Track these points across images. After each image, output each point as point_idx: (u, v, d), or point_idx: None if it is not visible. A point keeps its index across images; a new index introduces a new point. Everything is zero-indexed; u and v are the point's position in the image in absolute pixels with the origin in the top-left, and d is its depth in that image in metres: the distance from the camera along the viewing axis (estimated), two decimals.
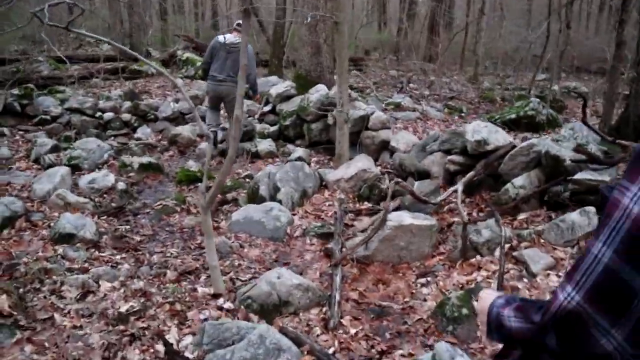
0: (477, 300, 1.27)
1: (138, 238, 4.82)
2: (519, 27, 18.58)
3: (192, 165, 6.42)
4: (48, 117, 8.01)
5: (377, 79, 13.59)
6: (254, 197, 5.41)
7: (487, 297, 1.08)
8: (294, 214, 5.18)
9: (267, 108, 8.36)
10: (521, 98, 11.52)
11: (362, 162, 5.78)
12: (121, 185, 5.83)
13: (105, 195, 5.70)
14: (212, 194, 3.49)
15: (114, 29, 14.61)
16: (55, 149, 6.98)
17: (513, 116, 7.75)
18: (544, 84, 14.08)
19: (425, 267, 4.32)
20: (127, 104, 8.49)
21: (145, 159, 6.61)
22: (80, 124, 7.93)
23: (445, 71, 15.01)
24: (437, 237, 4.52)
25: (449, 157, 5.60)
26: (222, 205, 5.43)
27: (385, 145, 6.52)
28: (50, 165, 6.49)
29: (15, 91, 8.15)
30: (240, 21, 8.15)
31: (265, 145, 7.08)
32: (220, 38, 7.02)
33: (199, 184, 6.23)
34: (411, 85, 12.89)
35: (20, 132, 7.84)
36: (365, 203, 5.50)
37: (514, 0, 20.67)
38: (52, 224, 4.80)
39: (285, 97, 8.12)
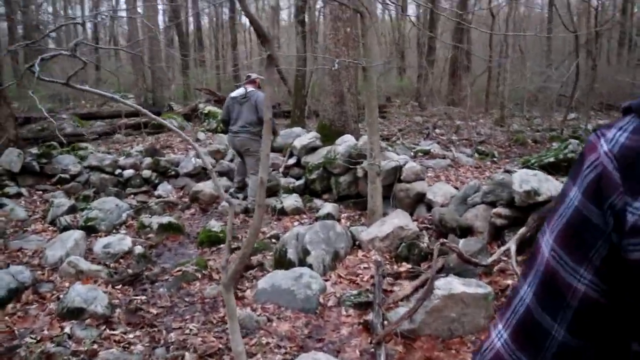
0: None
1: (155, 311, 4.29)
2: (539, 67, 18.17)
3: (215, 225, 5.94)
4: (67, 176, 7.67)
5: (401, 126, 13.17)
6: (282, 262, 4.88)
7: None
8: (326, 280, 4.62)
9: (292, 161, 7.92)
10: (555, 139, 10.99)
11: (399, 219, 5.23)
12: (138, 249, 5.36)
13: (121, 261, 5.23)
14: (234, 270, 2.98)
15: (136, 85, 14.54)
16: (72, 210, 6.59)
17: (551, 159, 7.16)
18: (575, 124, 13.51)
19: (481, 342, 3.70)
20: (148, 160, 8.14)
21: (165, 219, 6.16)
22: (99, 183, 7.57)
23: (470, 115, 14.55)
24: (493, 306, 3.91)
25: (494, 210, 5.02)
26: (246, 270, 4.90)
27: (420, 198, 5.98)
28: (66, 228, 6.08)
29: (34, 150, 7.86)
30: (251, 74, 7.88)
31: (291, 201, 6.59)
32: (232, 94, 7.16)
33: (222, 245, 5.76)
34: (437, 130, 12.42)
35: (39, 192, 7.50)
36: (404, 264, 4.93)
37: (532, 41, 20.29)
38: (61, 296, 4.32)
39: (311, 149, 7.68)
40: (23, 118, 12.17)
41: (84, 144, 10.13)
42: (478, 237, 5.13)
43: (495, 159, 9.41)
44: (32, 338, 3.80)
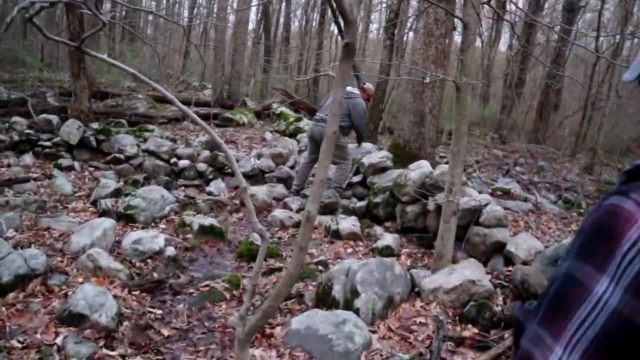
0: None
1: (166, 332, 3.55)
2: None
3: (256, 237, 5.17)
4: (122, 157, 7.18)
5: (479, 157, 12.02)
6: (325, 299, 4.02)
7: None
8: (373, 331, 3.73)
9: (357, 179, 7.06)
10: None
11: (471, 270, 4.26)
12: (170, 251, 4.67)
13: (149, 261, 4.55)
14: (253, 325, 2.16)
15: (215, 75, 14.15)
16: (116, 193, 6.03)
17: None
18: None
19: None
20: (206, 153, 7.53)
21: (207, 221, 5.47)
22: (152, 169, 7.01)
23: (556, 157, 13.19)
24: None
25: None
26: (284, 301, 4.08)
27: (499, 249, 4.96)
28: (105, 212, 5.52)
29: (95, 125, 7.42)
30: (367, 83, 7.35)
31: (348, 223, 5.73)
32: None
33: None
34: (517, 168, 11.21)
35: (91, 169, 7.03)
36: (470, 327, 3.96)
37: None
38: (70, 293, 3.67)
39: (380, 169, 6.79)
40: (102, 92, 12.00)
41: (151, 126, 9.74)
42: None
43: (582, 211, 8.18)
44: (19, 341, 3.15)
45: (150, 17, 23.40)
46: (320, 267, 4.80)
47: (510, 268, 4.78)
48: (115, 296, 3.71)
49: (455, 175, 4.44)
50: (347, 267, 4.09)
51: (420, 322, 3.97)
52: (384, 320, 3.96)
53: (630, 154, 14.54)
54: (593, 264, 0.53)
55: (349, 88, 6.97)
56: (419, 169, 5.98)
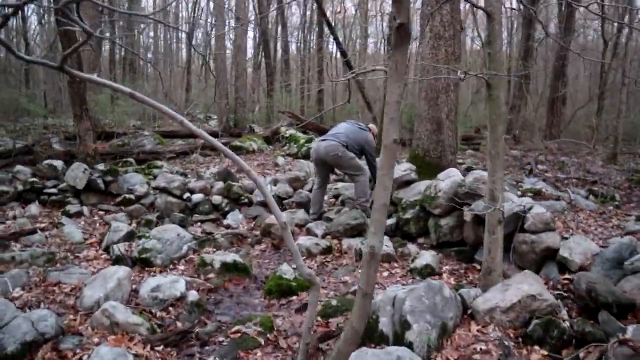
0: None
1: None
2: None
3: (287, 270, 4.70)
4: (132, 197, 6.76)
5: None
6: (371, 334, 3.53)
7: None
8: None
9: None
10: None
11: (528, 284, 3.76)
12: (193, 296, 4.21)
13: (170, 309, 4.08)
14: None
15: (219, 104, 13.82)
16: (129, 236, 5.61)
17: None
18: None
19: None
20: (219, 184, 7.11)
21: (229, 257, 5.01)
22: (165, 206, 6.59)
23: (575, 151, 12.65)
24: None
25: None
26: (324, 340, 3.59)
27: (550, 255, 4.45)
28: (119, 259, 5.09)
29: (101, 166, 7.03)
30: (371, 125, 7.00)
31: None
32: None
33: (294, 298, 4.51)
34: (539, 166, 10.68)
35: (101, 212, 6.62)
36: (537, 349, 3.45)
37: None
38: (84, 358, 3.21)
39: (404, 183, 6.34)
40: (107, 133, 11.69)
41: (159, 163, 9.37)
42: None
43: (617, 204, 7.64)
44: None
45: (150, 55, 23.31)
46: None
47: (567, 276, 4.26)
48: (136, 355, 3.25)
49: (496, 181, 3.97)
50: (392, 296, 3.59)
51: (481, 350, 3.46)
52: (441, 351, 3.45)
53: None
54: None
55: (358, 123, 6.66)
56: (449, 178, 5.51)
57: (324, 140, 6.21)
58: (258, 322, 3.84)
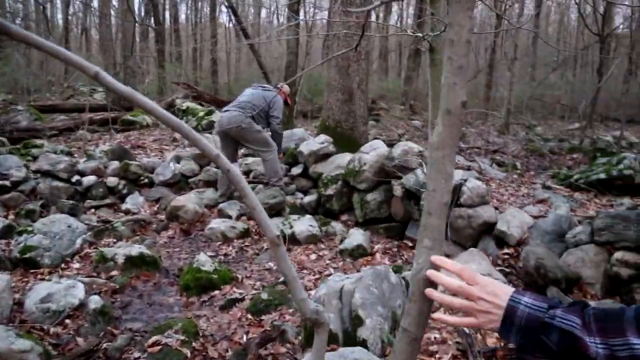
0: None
1: None
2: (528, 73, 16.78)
3: (205, 261, 4.03)
4: (7, 183, 5.62)
5: (401, 130, 11.46)
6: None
7: (497, 285, 0.88)
8: None
9: (297, 170, 6.07)
10: (576, 151, 9.45)
11: (477, 264, 3.46)
12: (95, 302, 3.42)
13: (68, 322, 3.29)
14: None
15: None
16: (6, 232, 4.61)
17: (602, 176, 5.62)
18: (580, 134, 12.08)
19: None
20: (115, 164, 6.16)
21: (134, 250, 4.23)
22: (50, 193, 5.56)
23: (470, 121, 12.98)
24: None
25: (618, 256, 3.32)
26: (262, 346, 3.03)
27: (487, 229, 4.21)
28: None
29: None
30: (282, 84, 6.27)
31: (304, 225, 4.74)
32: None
33: (216, 293, 3.88)
34: None
35: None
36: (495, 333, 3.17)
37: (523, 47, 18.96)
38: None
39: (322, 156, 5.85)
40: None
41: (39, 141, 8.08)
42: (587, 292, 3.42)
43: (519, 172, 7.78)
44: None
45: (19, 21, 20.50)
46: None
47: (505, 250, 4.05)
48: None
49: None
50: (338, 288, 3.11)
51: (435, 339, 3.11)
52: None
53: (530, 110, 14.75)
54: None
55: (263, 85, 6.02)
56: (374, 150, 5.11)
57: (227, 110, 5.51)
58: (180, 329, 3.18)
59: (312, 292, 3.74)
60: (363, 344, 2.88)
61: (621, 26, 16.87)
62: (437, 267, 0.98)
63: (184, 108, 11.01)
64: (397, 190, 4.66)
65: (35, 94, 14.93)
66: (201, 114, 9.99)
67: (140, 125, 10.12)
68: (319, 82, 15.29)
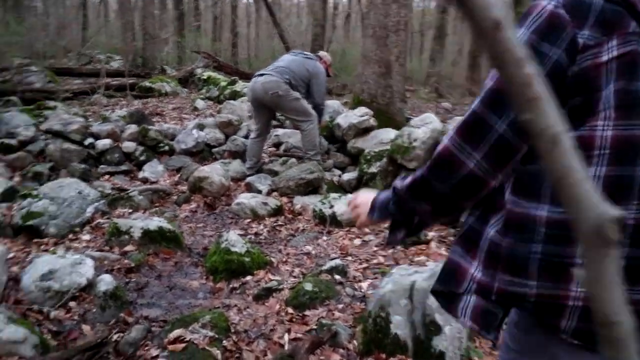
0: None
1: None
2: None
3: (236, 240, 3.39)
4: (13, 142, 5.02)
5: (431, 112, 10.70)
6: (380, 339, 2.38)
7: (367, 194, 1.24)
8: None
9: (333, 145, 5.41)
10: None
11: None
12: (106, 283, 2.80)
13: (72, 305, 2.67)
14: None
15: (127, 43, 11.70)
16: (10, 195, 4.01)
17: None
18: None
19: None
20: (132, 128, 5.52)
21: (153, 223, 3.60)
22: (60, 155, 4.94)
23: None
24: None
25: None
26: (312, 350, 2.39)
27: None
28: None
29: None
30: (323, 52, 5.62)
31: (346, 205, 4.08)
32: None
33: (248, 278, 3.25)
34: None
35: None
36: None
37: None
38: None
39: (363, 130, 5.19)
40: None
41: (52, 103, 7.46)
42: None
43: None
44: None
45: None
46: (338, 278, 3.14)
47: None
48: None
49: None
50: (407, 285, 2.45)
51: None
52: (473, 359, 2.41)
53: None
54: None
55: (304, 52, 5.34)
56: (426, 125, 4.42)
57: (261, 75, 4.84)
58: (208, 323, 2.55)
59: (364, 285, 3.11)
60: (440, 357, 2.24)
61: None
62: None
63: (205, 77, 10.35)
64: None
65: (51, 60, 14.31)
66: (223, 83, 9.31)
67: (159, 93, 9.47)
68: (343, 59, 14.56)
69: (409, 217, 1.10)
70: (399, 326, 2.36)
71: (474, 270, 1.00)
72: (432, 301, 2.34)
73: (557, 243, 0.89)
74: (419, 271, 2.57)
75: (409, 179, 1.05)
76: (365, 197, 1.21)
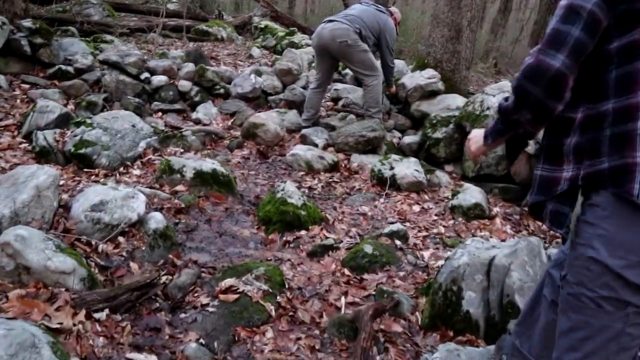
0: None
1: None
2: None
3: (293, 192, 3.17)
4: (70, 69, 4.89)
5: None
6: (449, 315, 2.14)
7: (478, 130, 1.50)
8: None
9: (395, 106, 5.08)
10: None
11: None
12: (156, 221, 2.64)
13: (121, 240, 2.52)
14: None
15: None
16: (63, 121, 3.88)
17: None
18: None
19: None
20: (189, 67, 5.31)
21: (207, 165, 3.41)
22: (115, 86, 4.78)
23: None
24: None
25: None
26: (375, 317, 2.17)
27: None
28: (44, 152, 3.44)
29: (28, 23, 5.01)
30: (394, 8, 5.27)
31: (408, 169, 3.79)
32: None
33: (302, 233, 3.03)
34: None
35: (25, 86, 4.71)
36: None
37: None
38: None
39: (429, 94, 4.83)
40: None
41: (109, 37, 7.35)
42: None
43: None
44: None
45: None
46: (398, 243, 2.89)
47: None
48: (59, 331, 1.73)
49: None
50: (485, 259, 2.18)
51: None
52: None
53: None
54: None
55: (377, 5, 4.93)
56: (502, 93, 4.04)
57: (330, 21, 4.51)
58: (262, 275, 2.36)
59: (425, 254, 2.86)
60: None
61: None
62: None
63: (262, 26, 10.03)
64: (529, 146, 3.63)
65: None
66: (281, 34, 8.98)
67: (215, 38, 9.22)
68: (403, 23, 13.91)
69: (515, 130, 1.31)
70: (472, 303, 2.11)
71: (565, 172, 1.25)
72: (512, 281, 2.08)
73: (620, 123, 1.15)
74: (497, 246, 2.30)
75: (510, 96, 1.27)
76: (477, 131, 1.50)
